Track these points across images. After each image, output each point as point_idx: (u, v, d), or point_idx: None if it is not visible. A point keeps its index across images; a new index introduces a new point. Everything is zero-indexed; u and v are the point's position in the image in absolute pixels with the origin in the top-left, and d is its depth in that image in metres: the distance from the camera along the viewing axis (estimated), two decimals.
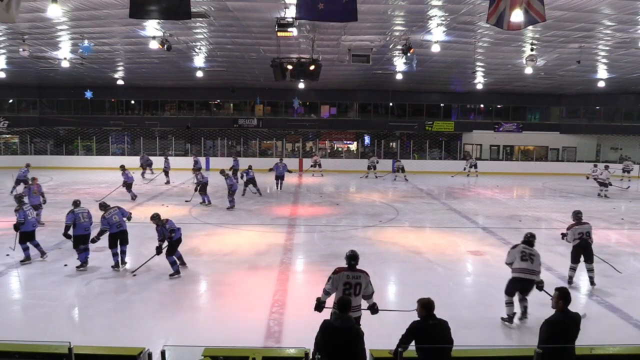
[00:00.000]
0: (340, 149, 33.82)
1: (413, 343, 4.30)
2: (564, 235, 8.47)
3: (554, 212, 15.52)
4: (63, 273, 8.58)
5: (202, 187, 15.82)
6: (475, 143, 31.99)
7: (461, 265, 9.77)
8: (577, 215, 8.47)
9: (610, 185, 19.08)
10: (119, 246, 8.97)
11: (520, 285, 6.64)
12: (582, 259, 8.20)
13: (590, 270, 8.20)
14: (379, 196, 18.98)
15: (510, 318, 6.66)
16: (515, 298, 6.73)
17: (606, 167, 19.24)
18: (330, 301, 5.14)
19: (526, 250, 6.72)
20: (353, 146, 33.73)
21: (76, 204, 9.18)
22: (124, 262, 9.05)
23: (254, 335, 6.17)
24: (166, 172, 21.62)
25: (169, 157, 23.15)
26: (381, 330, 5.88)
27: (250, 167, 17.77)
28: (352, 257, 5.43)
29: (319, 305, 5.33)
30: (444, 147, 31.89)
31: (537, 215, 15.15)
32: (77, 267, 8.78)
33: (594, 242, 8.38)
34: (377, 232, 12.48)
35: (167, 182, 21.13)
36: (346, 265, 5.43)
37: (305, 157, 28.67)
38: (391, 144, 31.73)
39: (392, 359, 4.34)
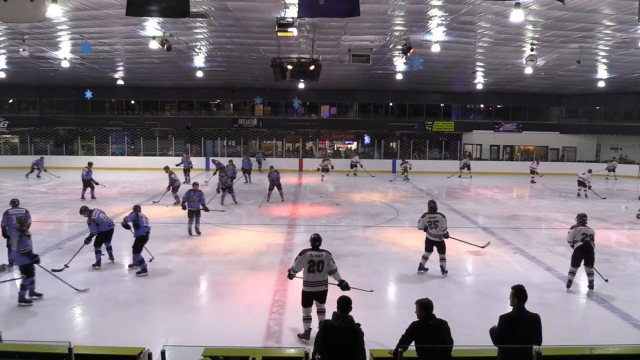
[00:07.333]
0: (340, 150, 33.78)
1: (413, 343, 4.30)
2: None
3: (554, 212, 15.52)
4: (63, 273, 8.55)
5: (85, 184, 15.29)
6: (475, 143, 31.98)
7: (461, 265, 9.75)
8: (582, 218, 8.22)
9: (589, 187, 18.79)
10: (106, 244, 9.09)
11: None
12: (582, 262, 7.98)
13: (590, 274, 7.99)
14: (379, 196, 18.98)
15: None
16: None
17: (589, 171, 19.09)
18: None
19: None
20: (353, 146, 33.72)
21: (14, 203, 9.05)
22: (112, 258, 9.22)
23: (254, 335, 6.17)
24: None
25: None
26: (381, 330, 5.89)
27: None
28: (316, 239, 6.24)
29: (290, 275, 6.30)
30: (444, 147, 31.88)
31: (537, 215, 15.15)
32: None
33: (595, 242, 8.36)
34: (377, 232, 12.48)
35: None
36: (311, 247, 6.17)
37: (305, 157, 28.64)
38: (391, 144, 31.72)
39: (392, 359, 4.34)
